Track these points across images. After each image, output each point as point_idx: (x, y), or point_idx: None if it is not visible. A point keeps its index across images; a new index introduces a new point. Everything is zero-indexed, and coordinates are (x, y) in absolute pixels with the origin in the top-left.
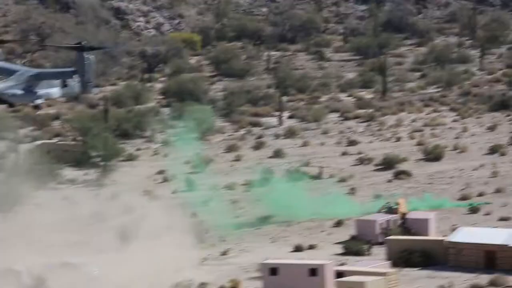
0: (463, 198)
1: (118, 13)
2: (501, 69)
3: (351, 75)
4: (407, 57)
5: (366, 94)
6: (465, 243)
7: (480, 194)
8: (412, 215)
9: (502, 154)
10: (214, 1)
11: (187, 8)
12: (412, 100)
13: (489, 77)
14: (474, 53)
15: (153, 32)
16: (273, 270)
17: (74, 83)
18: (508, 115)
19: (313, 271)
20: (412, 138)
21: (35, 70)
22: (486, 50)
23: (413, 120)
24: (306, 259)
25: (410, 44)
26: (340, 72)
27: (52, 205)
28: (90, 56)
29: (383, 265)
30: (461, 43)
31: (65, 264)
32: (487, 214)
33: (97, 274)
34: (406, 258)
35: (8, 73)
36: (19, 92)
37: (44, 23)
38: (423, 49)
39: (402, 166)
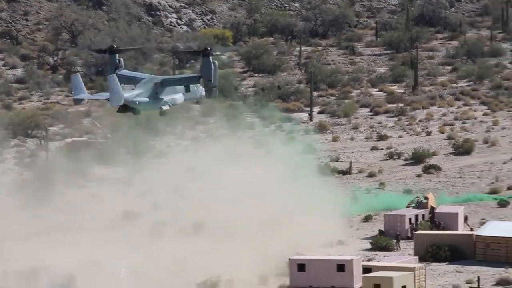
0: (493, 192)
1: (150, 9)
2: None
3: (382, 70)
4: (438, 51)
5: (397, 89)
6: (493, 237)
7: (510, 188)
8: (440, 209)
9: None
10: None
11: (219, 3)
12: (443, 94)
13: None
14: (506, 46)
15: (185, 28)
16: (301, 266)
17: (197, 88)
18: None
19: (341, 266)
20: (442, 132)
21: (160, 77)
22: None
23: (444, 114)
24: (334, 254)
25: (442, 38)
26: (371, 66)
27: (82, 203)
28: (215, 61)
29: (411, 260)
30: (493, 36)
31: (94, 262)
32: None
33: (124, 274)
34: (434, 252)
35: (133, 81)
36: (146, 99)
37: (76, 21)
38: (454, 43)
39: (432, 161)
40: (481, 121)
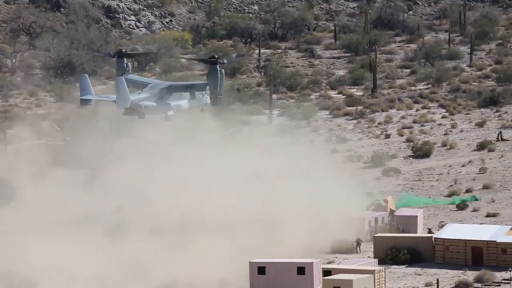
0: (451, 194)
1: (109, 11)
2: (490, 65)
3: (341, 72)
4: (397, 54)
5: (356, 91)
6: (452, 239)
7: (468, 191)
8: (400, 212)
9: (490, 150)
10: None
11: (178, 6)
12: (402, 97)
13: (479, 73)
14: (464, 49)
15: (144, 30)
16: (261, 269)
17: (202, 96)
18: (497, 111)
19: (301, 269)
20: (401, 135)
21: (167, 83)
22: (475, 46)
23: (403, 117)
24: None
25: (400, 41)
26: (330, 69)
27: (41, 206)
28: (222, 70)
29: (371, 263)
30: (451, 39)
31: (54, 266)
32: (475, 210)
33: (84, 277)
34: (394, 255)
35: (139, 85)
36: (153, 104)
37: (34, 23)
38: (413, 46)
39: (391, 163)
40: (439, 124)
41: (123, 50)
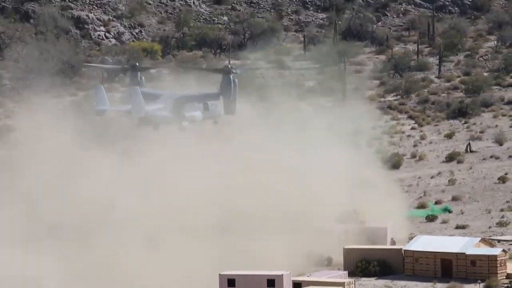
0: (421, 206)
1: (78, 22)
2: (458, 77)
3: (311, 83)
4: (366, 65)
5: (326, 103)
6: (421, 251)
7: (438, 202)
8: (369, 223)
9: (459, 162)
10: (174, 10)
11: (147, 17)
12: (371, 108)
13: (447, 84)
14: (433, 60)
15: (113, 41)
16: (231, 281)
17: (215, 107)
18: (466, 123)
19: (271, 282)
20: (370, 146)
21: (180, 93)
22: (444, 57)
23: (372, 128)
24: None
25: (369, 52)
26: (300, 80)
27: (6, 215)
28: (235, 80)
29: (341, 275)
30: (419, 50)
31: (22, 277)
32: (444, 222)
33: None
34: (364, 267)
35: (152, 97)
36: (167, 114)
37: (3, 33)
38: (382, 57)
39: (361, 175)
40: (408, 135)
41: (137, 64)
